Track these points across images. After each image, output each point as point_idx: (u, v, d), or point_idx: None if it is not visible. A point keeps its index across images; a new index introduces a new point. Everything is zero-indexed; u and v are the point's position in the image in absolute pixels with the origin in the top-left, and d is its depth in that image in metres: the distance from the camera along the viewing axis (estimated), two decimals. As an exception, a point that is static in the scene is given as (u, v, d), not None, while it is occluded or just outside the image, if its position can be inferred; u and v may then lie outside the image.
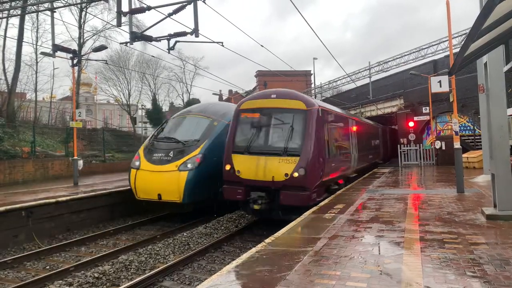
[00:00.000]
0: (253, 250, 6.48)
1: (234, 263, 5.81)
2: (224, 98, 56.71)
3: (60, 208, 12.45)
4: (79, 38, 32.97)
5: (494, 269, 4.94)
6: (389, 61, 39.11)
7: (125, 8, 9.95)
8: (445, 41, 31.89)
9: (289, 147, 11.19)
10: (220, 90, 61.38)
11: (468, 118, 26.87)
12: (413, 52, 35.97)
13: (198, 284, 5.11)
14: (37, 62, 31.05)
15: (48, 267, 9.47)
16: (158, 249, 9.87)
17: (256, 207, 11.31)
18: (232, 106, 15.85)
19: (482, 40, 5.33)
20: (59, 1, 23.73)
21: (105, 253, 10.14)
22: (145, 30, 12.24)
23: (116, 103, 56.90)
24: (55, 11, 14.78)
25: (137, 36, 10.76)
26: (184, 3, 8.93)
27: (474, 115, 25.21)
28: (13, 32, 48.25)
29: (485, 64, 8.81)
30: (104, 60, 27.64)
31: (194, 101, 50.41)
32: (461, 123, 25.80)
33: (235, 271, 5.42)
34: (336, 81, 49.43)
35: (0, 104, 25.06)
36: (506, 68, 8.53)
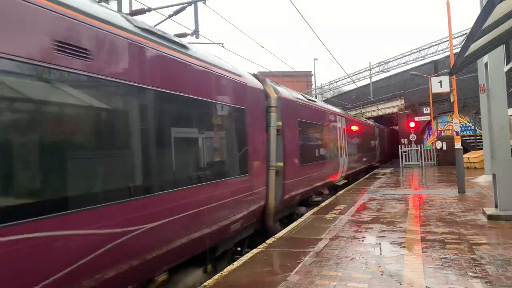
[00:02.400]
0: (254, 251, 6.48)
1: (236, 263, 5.81)
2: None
3: None
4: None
5: (496, 269, 4.93)
6: (390, 61, 39.06)
7: (125, 9, 9.97)
8: (445, 41, 31.84)
9: None
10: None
11: (469, 118, 26.85)
12: (414, 53, 35.92)
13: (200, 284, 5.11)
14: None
15: None
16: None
17: None
18: None
19: (482, 40, 5.33)
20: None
21: None
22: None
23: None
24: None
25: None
26: (184, 5, 8.93)
27: (475, 115, 25.18)
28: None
29: (486, 64, 8.81)
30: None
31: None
32: (462, 123, 25.77)
33: (236, 272, 5.42)
34: (336, 82, 49.46)
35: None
36: (506, 68, 8.52)
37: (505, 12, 4.19)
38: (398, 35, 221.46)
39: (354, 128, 18.86)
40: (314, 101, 12.81)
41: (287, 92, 9.73)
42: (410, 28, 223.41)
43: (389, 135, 34.66)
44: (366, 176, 20.74)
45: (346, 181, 16.22)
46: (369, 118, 35.35)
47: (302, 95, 11.76)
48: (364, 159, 21.59)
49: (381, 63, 40.36)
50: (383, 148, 30.27)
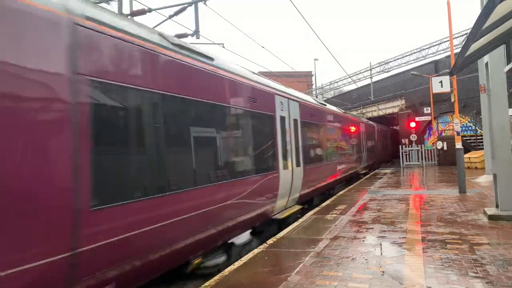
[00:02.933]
0: (255, 251, 6.48)
1: (237, 264, 5.81)
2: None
3: None
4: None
5: (497, 269, 4.93)
6: (390, 61, 39.02)
7: (126, 10, 9.98)
8: (446, 41, 31.80)
9: None
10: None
11: (470, 118, 26.84)
12: (414, 53, 35.88)
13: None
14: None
15: None
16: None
17: None
18: None
19: (483, 40, 5.33)
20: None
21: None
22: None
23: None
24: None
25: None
26: (185, 5, 8.95)
27: (475, 115, 25.17)
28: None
29: (486, 64, 8.81)
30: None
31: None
32: (462, 123, 25.74)
33: (237, 272, 5.43)
34: (337, 82, 49.48)
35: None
36: (507, 68, 8.49)
37: (505, 12, 4.20)
38: (399, 35, 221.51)
39: (320, 122, 12.75)
40: (190, 49, 5.81)
41: None
42: (410, 28, 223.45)
43: (384, 134, 33.89)
44: (367, 176, 20.72)
45: (300, 207, 9.96)
46: (369, 118, 35.29)
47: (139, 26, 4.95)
48: (340, 167, 15.17)
49: (382, 63, 40.33)
50: (373, 151, 25.37)
